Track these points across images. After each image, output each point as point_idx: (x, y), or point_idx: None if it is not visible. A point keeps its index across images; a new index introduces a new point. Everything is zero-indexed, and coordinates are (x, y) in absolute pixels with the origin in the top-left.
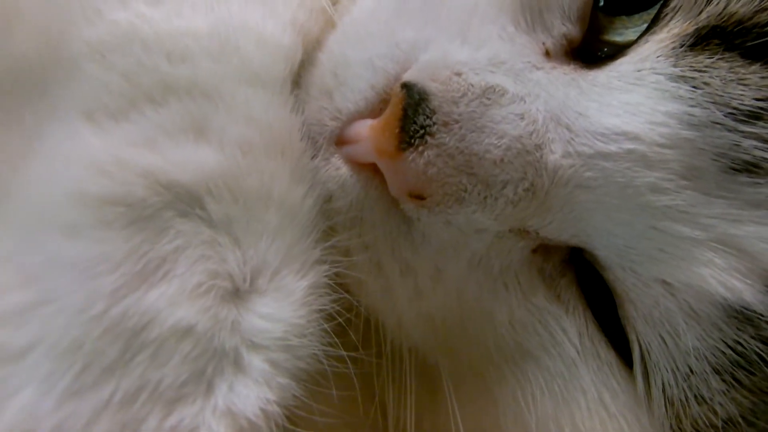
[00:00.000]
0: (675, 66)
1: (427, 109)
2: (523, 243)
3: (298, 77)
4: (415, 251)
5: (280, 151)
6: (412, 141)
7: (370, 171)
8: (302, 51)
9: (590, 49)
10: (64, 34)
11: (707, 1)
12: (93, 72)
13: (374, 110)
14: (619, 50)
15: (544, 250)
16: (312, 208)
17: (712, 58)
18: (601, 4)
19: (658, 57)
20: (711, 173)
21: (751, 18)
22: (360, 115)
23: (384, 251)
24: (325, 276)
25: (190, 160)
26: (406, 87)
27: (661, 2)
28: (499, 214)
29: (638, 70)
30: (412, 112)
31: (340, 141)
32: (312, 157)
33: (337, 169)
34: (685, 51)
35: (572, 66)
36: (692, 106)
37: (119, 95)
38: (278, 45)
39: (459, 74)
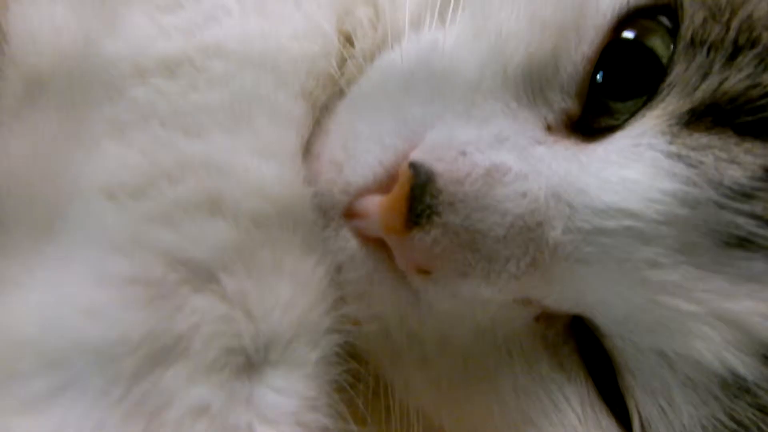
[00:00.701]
0: (671, 143)
1: (434, 190)
2: (526, 312)
3: (309, 143)
4: (422, 321)
5: (292, 222)
6: (419, 220)
7: (378, 244)
8: (312, 118)
9: (589, 122)
10: (85, 111)
11: (702, 78)
12: (112, 149)
13: (382, 186)
14: (617, 123)
15: (546, 317)
16: (323, 279)
17: (707, 135)
18: (599, 80)
19: (654, 133)
20: (706, 248)
21: (743, 94)
22: (369, 190)
23: (392, 321)
24: (336, 345)
25: (205, 236)
26: (414, 167)
27: (656, 80)
28: (502, 287)
29: (635, 145)
30: (419, 193)
31: (349, 214)
32: (323, 227)
33: (347, 241)
34: (680, 129)
35: (572, 140)
36: (687, 184)
37: (138, 173)
38: (289, 116)
39: (464, 154)
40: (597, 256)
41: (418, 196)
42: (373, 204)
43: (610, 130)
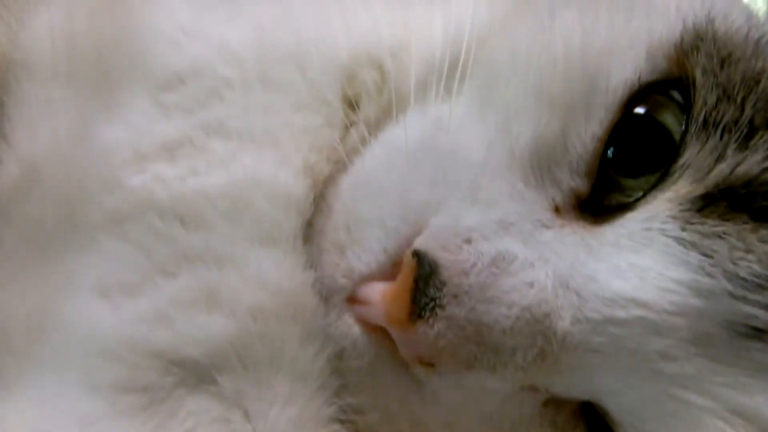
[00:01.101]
0: (683, 230)
1: (437, 282)
2: (533, 398)
3: (311, 218)
4: (426, 408)
5: (292, 311)
6: (423, 313)
7: (381, 332)
8: (314, 194)
9: (599, 199)
10: (82, 203)
11: (716, 161)
12: (108, 244)
13: (386, 272)
14: (627, 201)
15: (555, 403)
16: (324, 368)
17: (721, 222)
18: (610, 155)
19: (666, 218)
20: (720, 340)
21: (759, 177)
22: (372, 277)
23: (396, 408)
24: None
25: (201, 334)
26: (417, 256)
27: (668, 160)
28: (509, 378)
29: (646, 229)
30: (422, 285)
31: (352, 299)
32: (325, 311)
33: (350, 327)
34: (694, 214)
35: (581, 222)
36: (700, 274)
37: (133, 269)
38: (290, 197)
39: (469, 241)
40: (607, 346)
41: (422, 289)
42: (376, 292)
43: (621, 209)
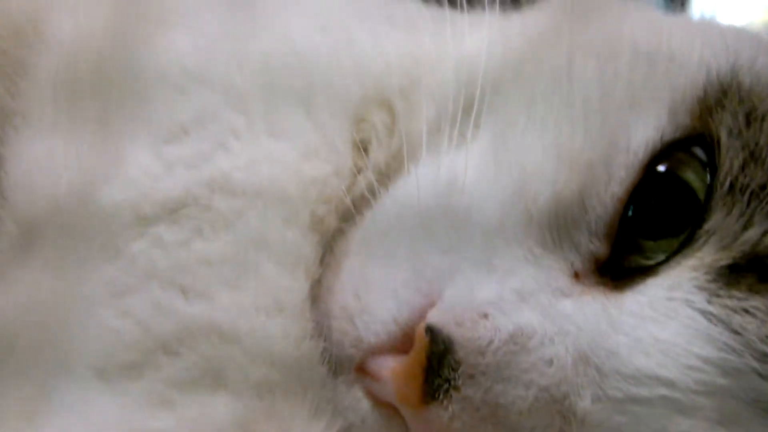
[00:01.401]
0: (709, 303)
1: (452, 361)
2: None
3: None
4: None
5: (300, 384)
6: (436, 395)
7: (391, 408)
8: (322, 249)
9: (619, 261)
10: (80, 272)
11: (743, 228)
12: (107, 321)
13: (396, 344)
14: (648, 264)
15: None
16: None
17: (749, 296)
18: (630, 214)
19: (691, 288)
20: (746, 419)
21: None
22: (382, 349)
23: None
24: None
25: (205, 415)
26: (431, 332)
27: (693, 222)
28: None
29: (670, 299)
30: (436, 363)
31: (361, 370)
32: (333, 381)
33: (358, 401)
34: (720, 286)
35: (601, 288)
36: (728, 352)
37: (133, 348)
38: (298, 258)
39: (485, 316)
40: (629, 427)
41: (436, 368)
42: (387, 367)
43: (642, 272)
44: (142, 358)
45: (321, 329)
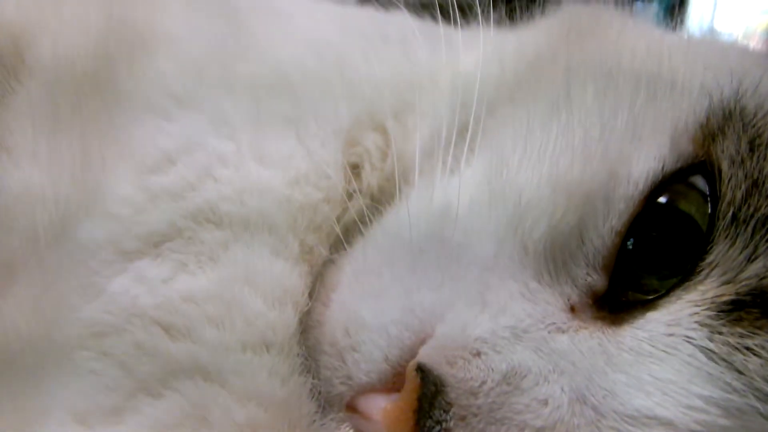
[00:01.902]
0: (711, 340)
1: (443, 403)
2: None
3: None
4: None
5: (287, 424)
6: None
7: None
8: (311, 280)
9: (616, 296)
10: (59, 313)
11: (747, 261)
12: (86, 363)
13: (387, 384)
14: (647, 299)
15: None
16: None
17: (753, 332)
18: (629, 246)
19: (691, 323)
20: None
21: None
22: (372, 388)
23: None
24: None
25: None
26: (422, 371)
27: (694, 254)
28: None
29: (669, 335)
30: (427, 405)
31: (351, 408)
32: (322, 416)
33: None
34: (723, 322)
35: (598, 323)
36: (729, 392)
37: (114, 390)
38: (285, 292)
39: (478, 355)
40: None
41: (427, 410)
42: (378, 408)
43: (641, 305)
44: (123, 401)
45: (309, 365)
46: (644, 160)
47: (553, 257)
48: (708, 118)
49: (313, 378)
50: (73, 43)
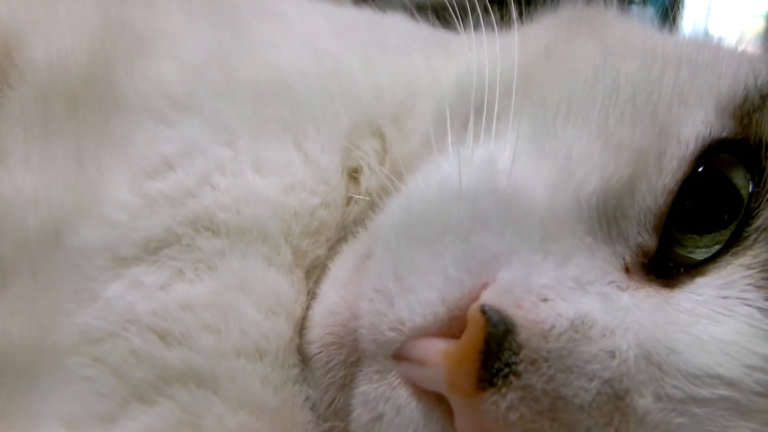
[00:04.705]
0: (767, 300)
1: (514, 344)
2: None
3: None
4: None
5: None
6: (495, 381)
7: (434, 398)
8: (307, 288)
9: (664, 258)
10: (53, 319)
11: None
12: (79, 369)
13: (443, 328)
14: (693, 265)
15: None
16: None
17: None
18: (678, 209)
19: (745, 285)
20: None
21: None
22: (426, 332)
23: None
24: None
25: None
26: (488, 312)
27: (739, 221)
28: None
29: (724, 297)
30: (495, 346)
31: (400, 356)
32: (358, 369)
33: (394, 389)
34: None
35: (653, 285)
36: None
37: (107, 397)
38: (278, 301)
39: (546, 300)
40: (689, 428)
41: (495, 351)
42: (436, 351)
43: (687, 271)
44: (116, 408)
45: (306, 375)
46: (693, 122)
47: (606, 213)
48: (746, 97)
49: (309, 387)
50: (67, 44)
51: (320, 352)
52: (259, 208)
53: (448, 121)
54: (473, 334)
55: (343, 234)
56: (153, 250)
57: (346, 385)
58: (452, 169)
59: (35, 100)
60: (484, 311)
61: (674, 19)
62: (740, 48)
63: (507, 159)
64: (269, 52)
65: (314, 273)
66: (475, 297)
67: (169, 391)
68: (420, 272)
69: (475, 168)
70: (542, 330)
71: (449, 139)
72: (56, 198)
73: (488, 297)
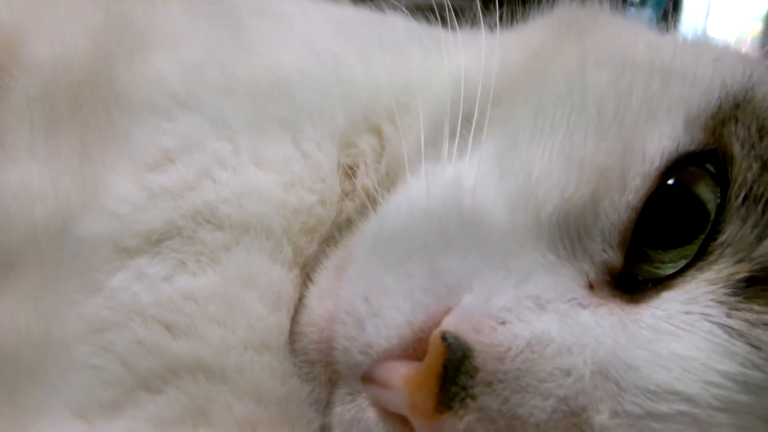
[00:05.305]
0: (729, 317)
1: (470, 367)
2: None
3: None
4: None
5: (286, 421)
6: (452, 404)
7: (399, 420)
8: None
9: (630, 273)
10: (59, 307)
11: (759, 239)
12: (86, 358)
13: (408, 350)
14: (660, 280)
15: None
16: None
17: None
18: (640, 228)
19: (708, 301)
20: None
21: None
22: (392, 355)
23: None
24: None
25: None
26: (448, 339)
27: (705, 235)
28: None
29: (687, 312)
30: (453, 372)
31: (368, 379)
32: (333, 390)
33: (363, 411)
34: (739, 299)
35: (616, 301)
36: (748, 367)
37: (114, 385)
38: (281, 297)
39: (504, 323)
40: None
41: (452, 376)
42: (399, 376)
43: (654, 286)
44: (123, 397)
45: (302, 372)
46: (659, 138)
47: (568, 231)
48: (720, 107)
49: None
50: (70, 42)
51: (306, 367)
52: (263, 204)
53: (423, 136)
54: (433, 360)
55: (335, 230)
56: (155, 242)
57: (329, 403)
58: (421, 190)
59: (40, 97)
60: (444, 338)
61: (674, 21)
62: (730, 47)
63: (473, 177)
64: (268, 51)
65: (306, 270)
66: (439, 321)
67: (176, 381)
68: (388, 295)
69: (443, 187)
70: (498, 353)
71: (423, 155)
72: (62, 190)
73: (449, 323)
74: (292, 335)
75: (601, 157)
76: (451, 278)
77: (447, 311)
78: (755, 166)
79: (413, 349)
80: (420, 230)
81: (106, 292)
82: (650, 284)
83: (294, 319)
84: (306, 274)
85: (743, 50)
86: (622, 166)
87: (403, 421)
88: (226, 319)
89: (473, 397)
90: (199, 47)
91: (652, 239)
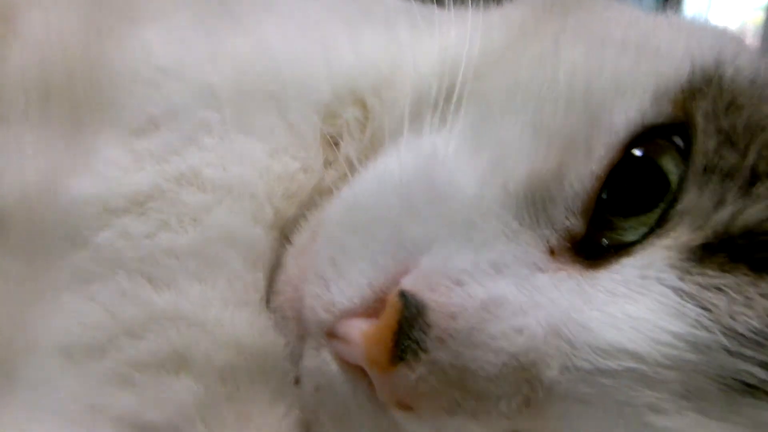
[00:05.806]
0: (681, 280)
1: (423, 324)
2: None
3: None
4: None
5: (263, 372)
6: (405, 356)
7: (359, 371)
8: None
9: (593, 242)
10: (48, 259)
11: (715, 208)
12: (73, 305)
13: (369, 309)
14: (622, 246)
15: None
16: (292, 429)
17: (720, 274)
18: (604, 197)
19: (663, 266)
20: (713, 395)
21: (760, 227)
22: (353, 312)
23: None
24: None
25: (166, 396)
26: (404, 297)
27: (665, 204)
28: (492, 425)
29: (643, 277)
30: (407, 327)
31: (331, 334)
32: (300, 346)
33: (327, 363)
34: (693, 264)
35: (576, 266)
36: (697, 328)
37: (98, 330)
38: (261, 256)
39: (459, 283)
40: (595, 397)
41: (406, 331)
42: (357, 331)
43: (616, 252)
44: (106, 340)
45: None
46: (625, 110)
47: (534, 200)
48: (689, 81)
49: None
50: (62, 15)
51: (282, 322)
52: (246, 167)
53: (408, 110)
54: (388, 316)
55: (317, 196)
56: (140, 203)
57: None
58: (394, 161)
59: (35, 66)
60: (401, 296)
61: (675, 9)
62: (709, 25)
63: (448, 148)
64: (256, 24)
65: (285, 232)
66: (398, 282)
67: (157, 329)
68: (353, 259)
69: (416, 157)
70: (451, 311)
71: (405, 128)
72: (53, 152)
73: (407, 282)
74: (270, 293)
75: (569, 130)
76: (413, 243)
77: (407, 272)
78: (716, 137)
79: (374, 309)
80: (389, 198)
81: (92, 247)
82: (612, 250)
83: (272, 278)
84: (285, 236)
85: (746, 40)
86: (588, 138)
87: (362, 372)
88: (206, 276)
89: (425, 350)
90: (187, 21)
91: (617, 208)
